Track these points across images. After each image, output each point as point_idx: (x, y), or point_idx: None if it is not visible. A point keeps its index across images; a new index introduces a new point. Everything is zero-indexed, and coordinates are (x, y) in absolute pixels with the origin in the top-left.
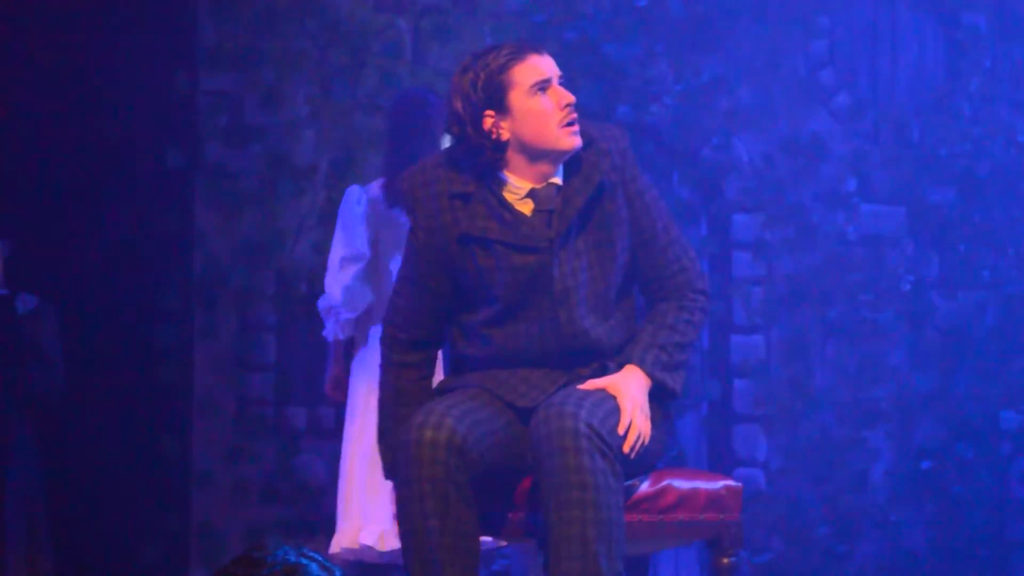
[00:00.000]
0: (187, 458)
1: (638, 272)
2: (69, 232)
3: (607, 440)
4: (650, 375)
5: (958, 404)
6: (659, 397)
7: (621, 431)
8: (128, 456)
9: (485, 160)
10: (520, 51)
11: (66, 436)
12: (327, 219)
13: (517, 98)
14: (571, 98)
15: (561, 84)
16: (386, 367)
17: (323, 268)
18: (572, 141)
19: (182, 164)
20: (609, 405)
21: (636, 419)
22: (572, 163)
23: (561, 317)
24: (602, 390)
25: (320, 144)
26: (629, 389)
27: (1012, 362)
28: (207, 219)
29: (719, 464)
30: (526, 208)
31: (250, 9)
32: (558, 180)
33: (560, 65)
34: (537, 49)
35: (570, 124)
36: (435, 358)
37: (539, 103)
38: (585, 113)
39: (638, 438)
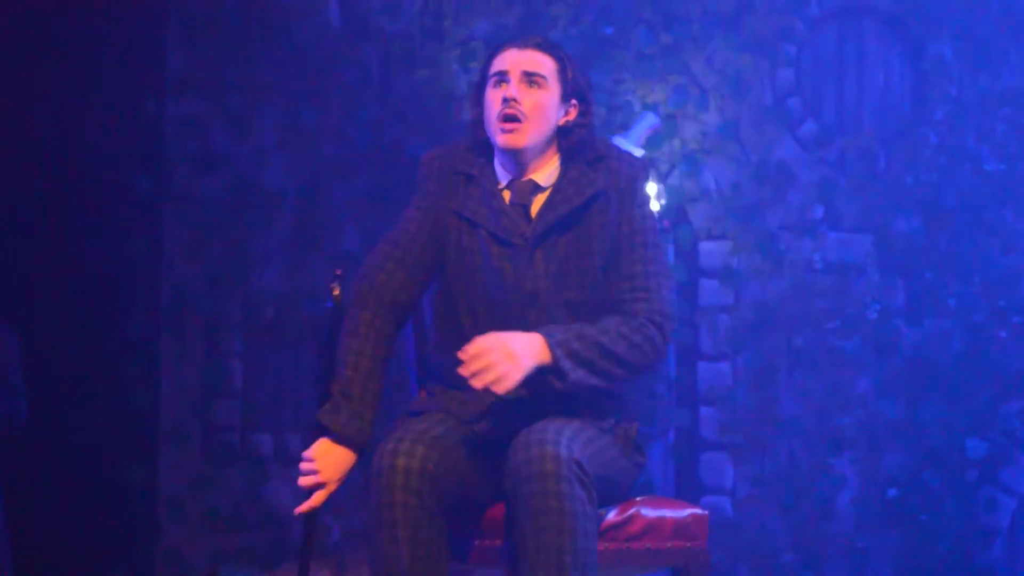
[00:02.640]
0: (154, 485)
1: (605, 292)
2: (34, 257)
3: (587, 469)
4: (550, 349)
5: (924, 432)
6: (546, 375)
7: (466, 355)
8: (95, 483)
9: (479, 140)
10: (508, 43)
11: (30, 464)
12: (294, 246)
13: (486, 85)
14: (510, 93)
15: (530, 82)
16: (351, 324)
17: (290, 295)
18: (501, 139)
19: (149, 190)
20: (586, 436)
21: (497, 362)
22: (570, 172)
23: (531, 318)
24: (576, 421)
25: (288, 171)
26: (515, 342)
27: (978, 390)
28: (174, 245)
29: (686, 492)
30: (506, 198)
31: (218, 35)
32: (539, 178)
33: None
34: (522, 43)
35: (504, 120)
36: (394, 340)
37: (488, 94)
38: None
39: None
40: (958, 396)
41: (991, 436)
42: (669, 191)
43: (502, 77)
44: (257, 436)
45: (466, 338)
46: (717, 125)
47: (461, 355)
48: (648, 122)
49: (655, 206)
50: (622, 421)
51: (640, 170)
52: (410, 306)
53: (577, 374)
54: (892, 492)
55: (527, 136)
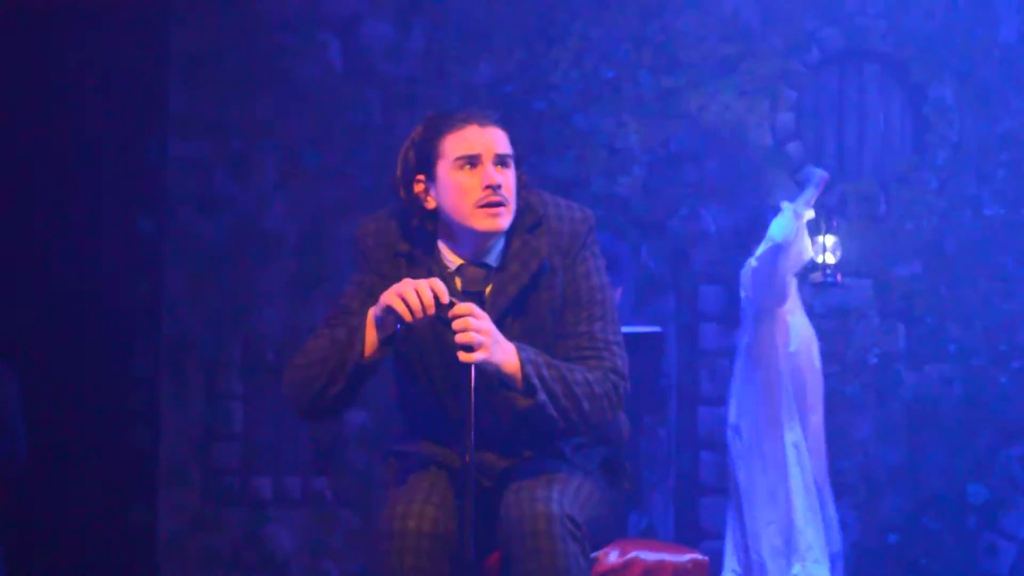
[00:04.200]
0: (153, 526)
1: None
2: (36, 296)
3: (578, 523)
4: (520, 362)
5: (925, 477)
6: (510, 390)
7: (454, 313)
8: (94, 523)
9: (417, 225)
10: (464, 119)
11: (29, 503)
12: (295, 287)
13: (443, 168)
14: (495, 180)
15: (502, 163)
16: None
17: (291, 337)
18: (488, 223)
19: (151, 231)
20: (574, 485)
21: (480, 331)
22: (513, 245)
23: (497, 406)
24: (561, 473)
25: (289, 212)
26: (495, 332)
27: (979, 436)
28: (176, 286)
29: (686, 536)
30: (457, 285)
31: (220, 77)
32: (492, 261)
33: (529, 135)
34: (482, 121)
35: (490, 206)
36: None
37: (460, 178)
38: (553, 183)
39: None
40: (959, 441)
41: (992, 481)
42: (670, 235)
43: (474, 161)
44: (257, 479)
45: (429, 394)
46: (717, 169)
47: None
48: (816, 179)
49: (831, 259)
50: (606, 454)
51: (580, 224)
52: None
53: (541, 397)
54: (892, 538)
55: (508, 219)
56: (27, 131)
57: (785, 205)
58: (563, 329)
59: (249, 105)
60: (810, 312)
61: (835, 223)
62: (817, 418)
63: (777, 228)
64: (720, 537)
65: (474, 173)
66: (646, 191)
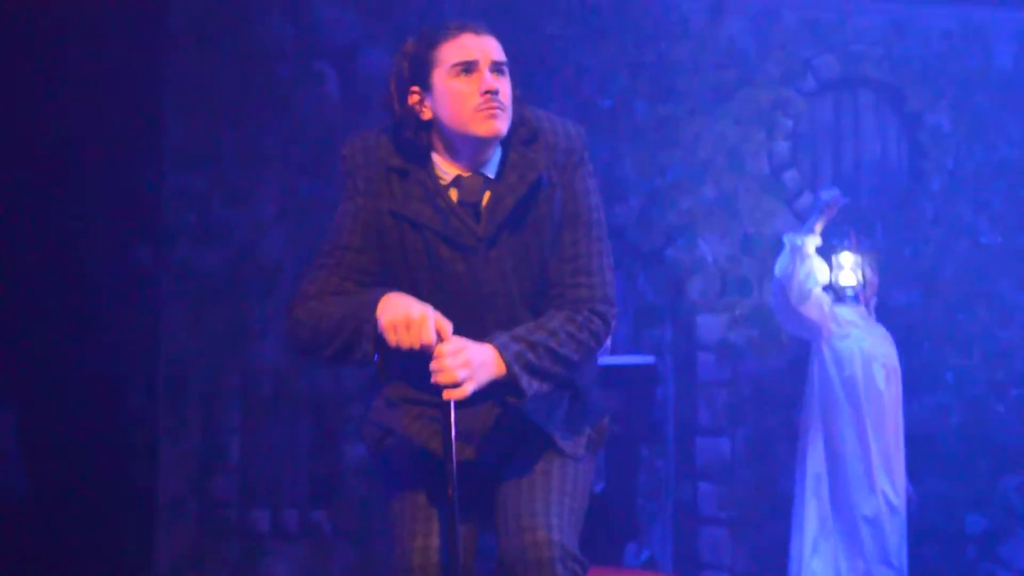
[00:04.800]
0: (151, 558)
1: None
2: (33, 327)
3: (578, 557)
4: (506, 364)
5: (924, 507)
6: (505, 391)
7: (433, 366)
8: (92, 556)
9: (411, 137)
10: (459, 28)
11: (28, 536)
12: None
13: (439, 77)
14: (493, 86)
15: (498, 70)
16: (308, 307)
17: (288, 369)
18: (488, 127)
19: (149, 262)
20: (575, 505)
21: (454, 368)
22: (510, 157)
23: (488, 322)
24: (555, 480)
25: (286, 242)
26: (472, 353)
27: (977, 465)
28: (173, 317)
29: (685, 567)
30: (452, 196)
31: (217, 108)
32: (489, 173)
33: None
34: (476, 29)
35: (489, 110)
36: None
37: (458, 85)
38: None
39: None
40: (957, 471)
41: (990, 511)
42: (667, 264)
43: (470, 67)
44: (254, 512)
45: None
46: (714, 198)
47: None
48: (822, 203)
49: (849, 279)
50: (595, 424)
51: (576, 140)
52: None
53: (532, 386)
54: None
55: (507, 124)
56: (23, 163)
57: (785, 238)
58: (558, 249)
59: (246, 135)
60: (804, 340)
61: (854, 242)
62: (891, 438)
63: (777, 263)
64: (719, 567)
65: (471, 79)
66: (643, 220)
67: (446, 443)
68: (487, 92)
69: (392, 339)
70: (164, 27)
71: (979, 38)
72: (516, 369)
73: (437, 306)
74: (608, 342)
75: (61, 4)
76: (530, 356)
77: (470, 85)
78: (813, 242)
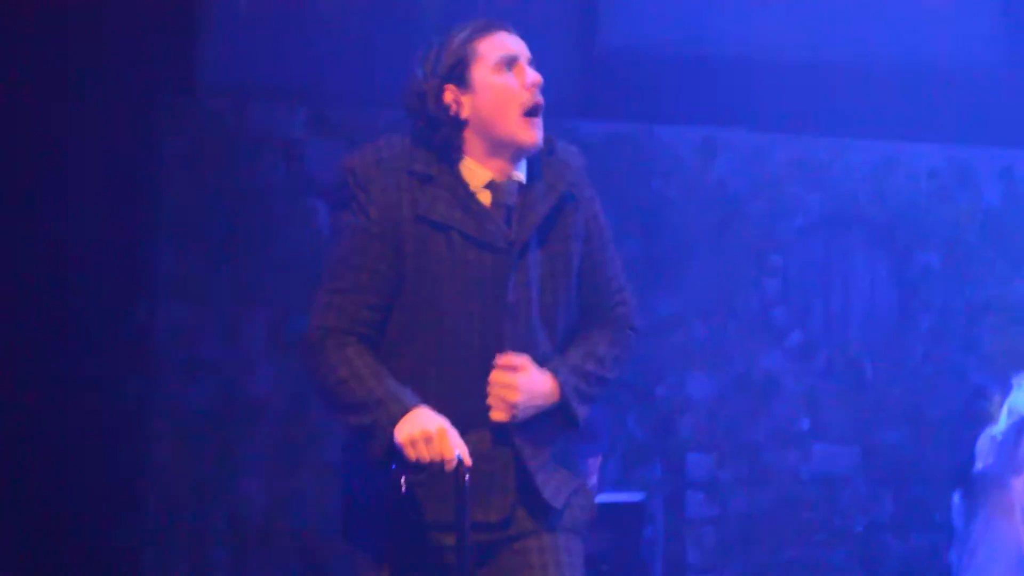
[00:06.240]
0: None
1: (580, 295)
2: (18, 460)
3: None
4: (564, 398)
5: None
6: (559, 419)
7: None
8: None
9: (442, 138)
10: (490, 25)
11: None
12: (280, 455)
13: (480, 72)
14: (538, 78)
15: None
16: (331, 355)
17: (276, 506)
18: (532, 135)
19: (137, 396)
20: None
21: (507, 398)
22: (536, 166)
23: (506, 333)
24: (564, 555)
25: (275, 379)
26: (537, 383)
27: None
28: (161, 452)
29: None
30: (485, 199)
31: (210, 242)
32: (521, 176)
33: None
34: (506, 26)
35: (533, 112)
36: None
37: (503, 80)
38: None
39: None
40: None
41: None
42: (657, 402)
43: (512, 61)
44: None
45: (423, 356)
46: (703, 335)
47: (493, 381)
48: None
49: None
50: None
51: (581, 159)
52: (378, 337)
53: (582, 412)
54: None
55: (542, 135)
56: (16, 295)
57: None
58: (601, 267)
59: (237, 270)
60: (796, 478)
61: None
62: None
63: (1020, 400)
64: None
65: (514, 74)
66: (633, 358)
67: (460, 508)
68: (533, 85)
69: (412, 454)
70: (158, 161)
71: (967, 176)
72: (574, 405)
73: (458, 316)
74: (595, 479)
75: (56, 132)
76: (583, 388)
77: (514, 79)
78: None
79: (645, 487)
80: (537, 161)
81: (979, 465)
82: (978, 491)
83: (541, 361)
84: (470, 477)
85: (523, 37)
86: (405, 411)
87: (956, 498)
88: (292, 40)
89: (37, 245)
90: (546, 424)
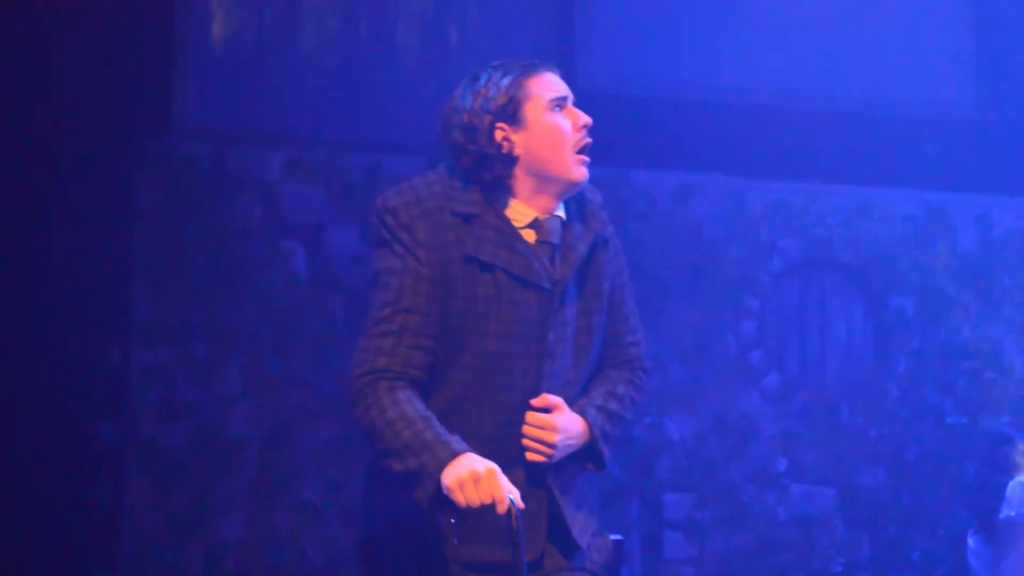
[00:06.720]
0: None
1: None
2: None
3: None
4: (593, 439)
5: None
6: (585, 459)
7: (537, 423)
8: None
9: (491, 177)
10: (536, 65)
11: None
12: (257, 495)
13: (533, 111)
14: (588, 120)
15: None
16: (382, 398)
17: (252, 545)
18: (582, 173)
19: (112, 438)
20: None
21: (547, 439)
22: (572, 205)
23: (544, 372)
24: None
25: (252, 419)
26: (573, 425)
27: None
28: (136, 493)
29: None
30: (529, 238)
31: (185, 284)
32: (561, 213)
33: None
34: (552, 67)
35: (583, 151)
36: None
37: (556, 119)
38: None
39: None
40: None
41: None
42: (635, 443)
43: (563, 102)
44: None
45: (464, 395)
46: (681, 376)
47: (531, 422)
48: None
49: None
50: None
51: (600, 196)
52: (428, 380)
53: (607, 452)
54: None
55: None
56: None
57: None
58: (620, 307)
59: (213, 312)
60: (773, 519)
61: None
62: None
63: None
64: None
65: (565, 115)
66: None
67: (514, 549)
68: (584, 126)
69: (461, 499)
70: (134, 204)
71: (942, 221)
72: (600, 445)
73: (502, 356)
74: None
75: (33, 175)
76: (608, 428)
77: (566, 120)
78: None
79: (623, 527)
80: (571, 200)
81: (1011, 512)
82: (1007, 537)
83: (573, 400)
84: (520, 517)
85: None
86: (453, 456)
87: (972, 541)
88: (268, 84)
89: (12, 287)
90: (572, 464)
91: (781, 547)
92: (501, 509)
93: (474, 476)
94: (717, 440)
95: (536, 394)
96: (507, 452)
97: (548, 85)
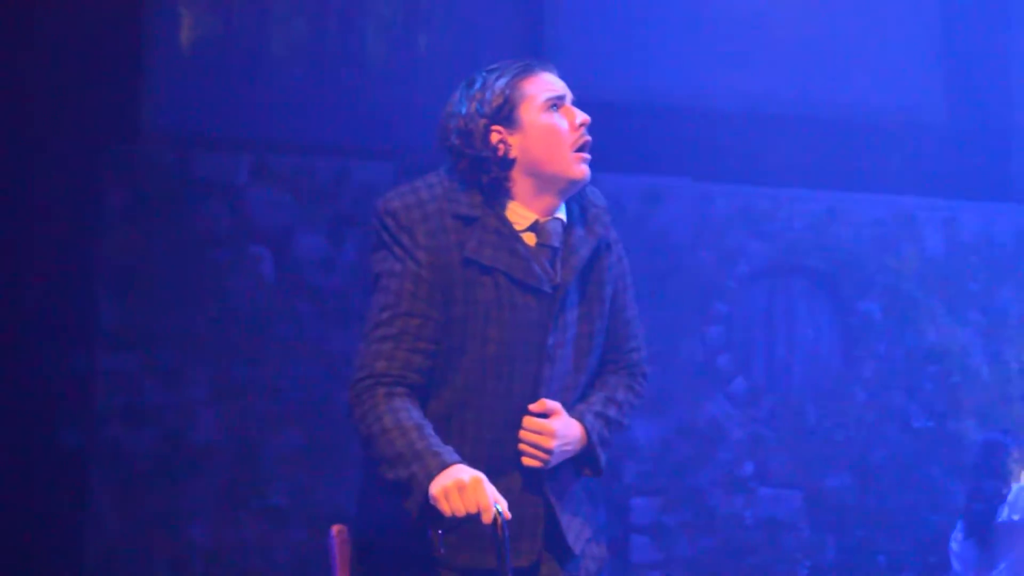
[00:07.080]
0: None
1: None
2: None
3: None
4: (591, 444)
5: None
6: (582, 464)
7: (533, 427)
8: None
9: (489, 180)
10: (532, 66)
11: None
12: (223, 501)
13: (528, 112)
14: (587, 118)
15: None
16: (379, 403)
17: (219, 551)
18: (583, 170)
19: (76, 444)
20: None
21: (544, 445)
22: (573, 208)
23: (545, 374)
24: None
25: (218, 425)
26: (570, 430)
27: None
28: (101, 500)
29: None
30: (529, 241)
31: (150, 289)
32: (563, 216)
33: None
34: (549, 67)
35: (582, 149)
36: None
37: (552, 119)
38: None
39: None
40: None
41: None
42: None
43: (560, 101)
44: None
45: (462, 399)
46: (648, 381)
47: (528, 427)
48: None
49: None
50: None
51: (604, 200)
52: (428, 383)
53: (604, 458)
54: None
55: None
56: None
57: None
58: (623, 312)
59: (180, 317)
60: (740, 523)
61: None
62: None
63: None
64: None
65: (562, 114)
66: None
67: (501, 560)
68: (581, 124)
69: (446, 508)
70: (101, 208)
71: (910, 226)
72: (598, 451)
73: (501, 360)
74: None
75: None
76: (605, 435)
77: (563, 119)
78: None
79: None
80: (574, 203)
81: (1015, 516)
82: (1005, 540)
83: (572, 404)
84: (506, 526)
85: None
86: (443, 467)
87: (957, 545)
88: (236, 89)
89: None
90: (569, 469)
91: (748, 551)
92: (486, 518)
93: (459, 485)
94: (684, 444)
95: (535, 398)
96: (505, 456)
97: (543, 85)
